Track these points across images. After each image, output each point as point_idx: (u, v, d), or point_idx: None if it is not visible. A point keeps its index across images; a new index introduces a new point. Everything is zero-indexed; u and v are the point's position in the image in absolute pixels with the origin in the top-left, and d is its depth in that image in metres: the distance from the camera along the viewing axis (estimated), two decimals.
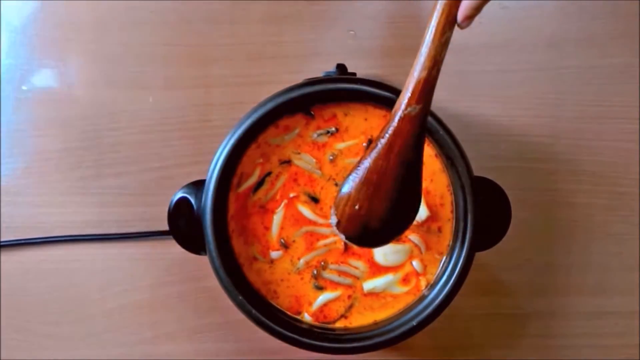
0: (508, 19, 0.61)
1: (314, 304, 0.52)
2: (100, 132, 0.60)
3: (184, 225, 0.50)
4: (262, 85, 0.60)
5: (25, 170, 0.60)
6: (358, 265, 0.52)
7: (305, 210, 0.52)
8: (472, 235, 0.49)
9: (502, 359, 0.60)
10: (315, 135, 0.52)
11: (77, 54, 0.61)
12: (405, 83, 0.43)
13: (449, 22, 0.41)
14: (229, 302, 0.49)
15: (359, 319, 0.52)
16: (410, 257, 0.52)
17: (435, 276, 0.51)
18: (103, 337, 0.60)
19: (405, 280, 0.52)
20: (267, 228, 0.52)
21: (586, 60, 0.61)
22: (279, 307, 0.52)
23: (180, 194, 0.51)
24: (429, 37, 0.42)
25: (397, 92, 0.45)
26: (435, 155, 0.51)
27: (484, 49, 0.61)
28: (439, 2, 0.41)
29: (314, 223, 0.52)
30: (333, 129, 0.52)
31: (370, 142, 0.51)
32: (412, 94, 0.42)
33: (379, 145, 0.44)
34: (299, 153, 0.52)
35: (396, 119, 0.43)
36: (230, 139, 0.50)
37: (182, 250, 0.51)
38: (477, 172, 0.50)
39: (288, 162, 0.52)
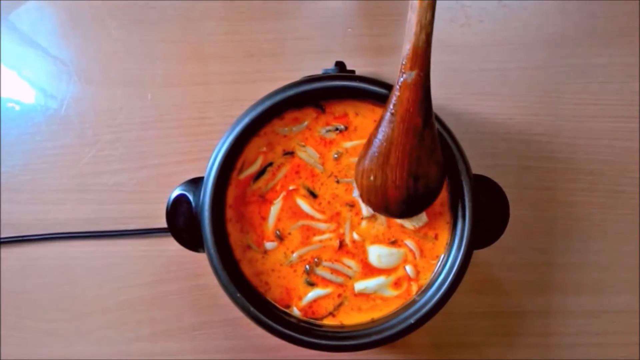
0: (507, 17, 0.61)
1: (304, 299, 0.52)
2: (98, 129, 0.60)
3: (182, 222, 0.50)
4: (260, 82, 0.60)
5: (24, 168, 0.60)
6: (351, 264, 0.52)
7: (304, 204, 0.52)
8: (470, 233, 0.49)
9: (499, 357, 0.60)
10: (323, 131, 0.52)
11: (75, 51, 0.61)
12: (401, 52, 0.44)
13: None
14: (226, 300, 0.49)
15: (346, 319, 0.52)
16: (404, 261, 0.52)
17: (427, 281, 0.51)
18: (100, 334, 0.60)
19: (396, 284, 0.52)
20: (264, 218, 0.52)
21: (585, 59, 0.61)
22: (271, 300, 0.51)
23: (178, 191, 0.50)
24: (411, 3, 0.43)
25: None
26: None
27: (483, 47, 0.61)
28: None
29: (311, 217, 0.52)
30: (342, 126, 0.51)
31: None
32: (405, 61, 0.44)
33: (386, 115, 0.46)
34: (304, 146, 0.52)
35: (396, 87, 0.45)
36: (228, 136, 0.50)
37: (180, 247, 0.51)
38: (475, 171, 0.50)
39: (291, 153, 0.52)
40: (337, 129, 0.52)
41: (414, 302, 0.50)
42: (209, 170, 0.50)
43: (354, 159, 0.51)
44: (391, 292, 0.52)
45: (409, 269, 0.52)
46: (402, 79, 0.44)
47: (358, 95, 0.51)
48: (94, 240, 0.60)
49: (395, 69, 0.47)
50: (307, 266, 0.52)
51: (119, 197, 0.60)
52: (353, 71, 0.55)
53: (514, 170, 0.60)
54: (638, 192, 0.60)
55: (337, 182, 0.52)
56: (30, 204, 0.60)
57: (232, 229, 0.51)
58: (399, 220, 0.51)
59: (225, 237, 0.51)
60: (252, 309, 0.49)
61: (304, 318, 0.51)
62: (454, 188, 0.50)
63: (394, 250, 0.52)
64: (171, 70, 0.60)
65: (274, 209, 0.52)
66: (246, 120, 0.50)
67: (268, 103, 0.50)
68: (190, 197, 0.50)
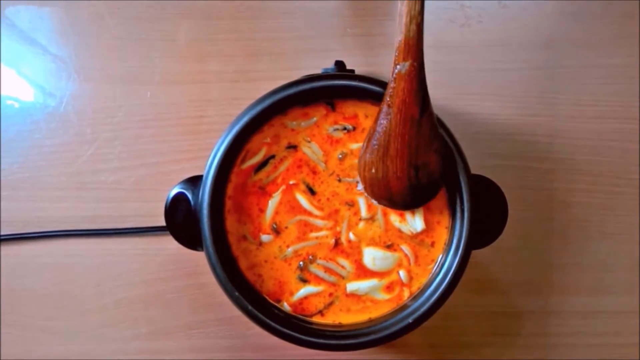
0: (507, 17, 0.61)
1: (295, 295, 0.52)
2: (97, 126, 0.60)
3: (180, 221, 0.50)
4: (259, 81, 0.60)
5: (22, 165, 0.60)
6: (345, 264, 0.52)
7: (302, 199, 0.52)
8: (468, 233, 0.49)
9: (496, 357, 0.60)
10: (331, 129, 0.52)
11: (74, 48, 0.61)
12: (394, 45, 0.45)
13: None
14: (224, 299, 0.49)
15: (334, 318, 0.52)
16: (399, 266, 0.52)
17: (420, 288, 0.51)
18: (98, 332, 0.60)
19: (389, 288, 0.52)
20: (262, 210, 0.52)
21: (584, 60, 0.61)
22: (263, 293, 0.51)
23: (177, 190, 0.50)
24: None
25: None
26: None
27: (483, 47, 0.61)
28: None
29: (309, 213, 0.52)
30: (350, 127, 0.51)
31: None
32: (398, 53, 0.45)
33: (383, 108, 0.46)
34: (309, 141, 0.52)
35: (391, 79, 0.45)
36: (227, 135, 0.50)
37: (178, 246, 0.51)
38: (474, 171, 0.50)
39: (294, 147, 0.52)
40: (345, 129, 0.51)
41: (405, 306, 0.51)
42: (208, 168, 0.50)
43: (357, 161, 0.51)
44: (383, 296, 0.52)
45: (402, 274, 0.52)
46: (396, 71, 0.45)
47: (358, 95, 0.51)
48: (92, 238, 0.60)
49: None
50: (301, 262, 0.52)
51: (118, 195, 0.60)
52: (352, 70, 0.55)
53: (513, 170, 0.60)
54: (637, 193, 0.60)
55: (339, 180, 0.52)
56: (28, 202, 0.60)
57: (229, 218, 0.51)
58: (397, 224, 0.51)
59: (224, 236, 0.51)
60: (250, 307, 0.49)
61: (294, 314, 0.51)
62: (452, 188, 0.50)
63: (389, 254, 0.52)
64: (170, 68, 0.60)
65: (273, 202, 0.52)
66: (245, 119, 0.50)
67: (267, 102, 0.50)
68: (189, 196, 0.50)
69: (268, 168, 0.52)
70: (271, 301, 0.51)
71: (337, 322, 0.51)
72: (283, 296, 0.52)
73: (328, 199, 0.52)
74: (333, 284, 0.52)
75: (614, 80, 0.61)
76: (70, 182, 0.60)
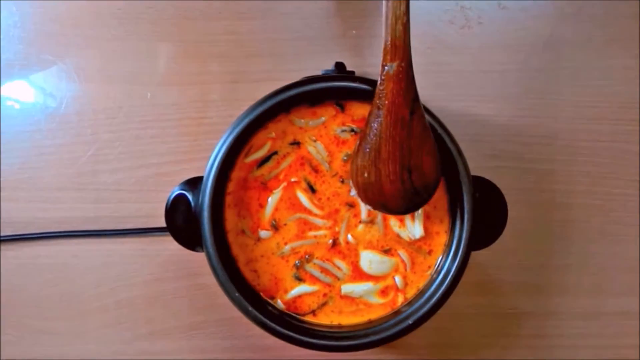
0: (507, 19, 0.61)
1: (290, 293, 0.52)
2: (97, 127, 0.60)
3: (181, 222, 0.50)
4: (259, 82, 0.60)
5: (22, 166, 0.60)
6: (342, 266, 0.52)
7: (303, 197, 0.52)
8: (468, 235, 0.49)
9: (496, 358, 0.60)
10: (339, 130, 0.52)
11: (74, 49, 0.61)
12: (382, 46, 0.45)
13: None
14: (224, 300, 0.49)
15: (325, 319, 0.52)
16: (395, 271, 0.52)
17: (414, 294, 0.51)
18: (98, 333, 0.60)
19: (383, 292, 0.52)
20: (262, 206, 0.52)
21: (584, 62, 0.61)
22: (258, 289, 0.51)
23: (177, 191, 0.50)
24: None
25: None
26: None
27: (483, 49, 0.61)
28: None
29: (309, 212, 0.52)
30: (358, 129, 0.51)
31: None
32: (384, 54, 0.44)
33: (373, 110, 0.46)
34: (315, 141, 0.52)
35: (380, 81, 0.45)
36: (228, 136, 0.50)
37: (178, 247, 0.51)
38: (474, 172, 0.50)
39: (297, 143, 0.52)
40: (352, 131, 0.51)
41: (398, 312, 0.51)
42: (209, 170, 0.50)
43: None
44: (376, 300, 0.52)
45: (397, 279, 0.52)
46: (384, 72, 0.45)
47: (358, 96, 0.51)
48: (92, 239, 0.60)
49: None
50: (298, 261, 0.52)
51: (118, 196, 0.60)
52: (353, 72, 0.55)
53: (513, 171, 0.60)
54: (637, 194, 0.60)
55: (342, 182, 0.52)
56: (28, 202, 0.60)
57: (229, 211, 0.51)
58: (396, 229, 0.51)
59: (224, 237, 0.51)
60: (250, 308, 0.49)
61: (287, 311, 0.51)
62: (452, 189, 0.50)
63: (385, 258, 0.52)
64: (170, 69, 0.60)
65: (273, 198, 0.52)
66: (246, 120, 0.50)
67: (268, 104, 0.50)
68: (190, 197, 0.50)
69: (270, 164, 0.52)
70: (265, 297, 0.51)
71: (335, 323, 0.52)
72: (277, 293, 0.52)
73: (328, 199, 0.52)
74: (328, 285, 0.52)
75: (614, 82, 0.61)
76: (71, 182, 0.60)
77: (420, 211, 0.51)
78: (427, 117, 0.49)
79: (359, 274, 0.52)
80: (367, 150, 0.47)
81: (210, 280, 0.50)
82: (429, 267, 0.52)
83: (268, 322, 0.49)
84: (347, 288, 0.52)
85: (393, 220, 0.51)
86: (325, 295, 0.52)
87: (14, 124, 0.60)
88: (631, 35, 0.61)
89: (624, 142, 0.61)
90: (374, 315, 0.52)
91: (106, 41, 0.61)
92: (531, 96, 0.60)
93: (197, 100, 0.60)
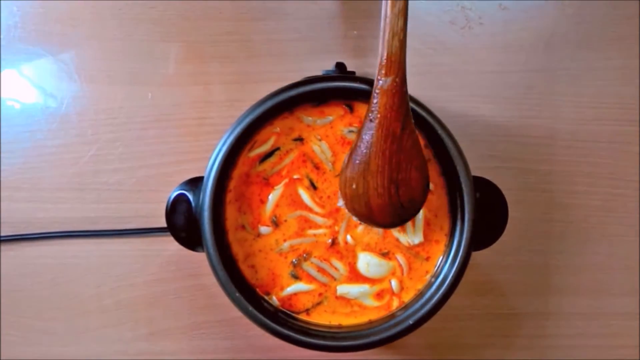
0: (507, 19, 0.61)
1: (285, 290, 0.52)
2: (98, 128, 0.60)
3: (181, 222, 0.50)
4: (260, 83, 0.60)
5: (23, 166, 0.60)
6: (339, 266, 0.52)
7: (305, 195, 0.52)
8: (469, 235, 0.49)
9: (496, 358, 0.60)
10: (346, 131, 0.52)
11: (75, 49, 0.61)
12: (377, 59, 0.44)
13: None
14: (225, 300, 0.49)
15: (318, 319, 0.52)
16: (392, 274, 0.52)
17: (410, 299, 0.51)
18: (99, 333, 0.60)
19: (379, 295, 0.52)
20: (263, 202, 0.52)
21: (584, 62, 0.61)
22: (254, 285, 0.51)
23: (178, 191, 0.50)
24: (383, 11, 0.43)
25: None
26: (433, 158, 0.51)
27: (483, 49, 0.61)
28: None
29: (310, 210, 0.52)
30: None
31: None
32: (379, 68, 0.44)
33: (365, 123, 0.46)
34: (320, 140, 0.52)
35: (374, 94, 0.45)
36: (228, 137, 0.50)
37: (179, 247, 0.51)
38: (474, 172, 0.50)
39: (301, 140, 0.52)
40: None
41: (393, 315, 0.51)
42: (209, 170, 0.50)
43: None
44: (371, 302, 0.52)
45: (394, 283, 0.52)
46: (378, 86, 0.44)
47: (358, 97, 0.51)
48: (92, 239, 0.60)
49: None
50: (295, 259, 0.52)
51: (118, 196, 0.60)
52: (353, 72, 0.55)
53: (513, 172, 0.60)
54: (637, 195, 0.60)
55: None
56: (29, 203, 0.60)
57: (229, 206, 0.51)
58: (395, 233, 0.51)
59: (224, 237, 0.51)
60: (250, 308, 0.49)
61: (281, 308, 0.51)
62: (453, 190, 0.51)
63: (383, 261, 0.52)
64: (171, 69, 0.60)
65: (275, 194, 0.52)
66: (247, 120, 0.50)
67: (268, 104, 0.50)
68: (190, 197, 0.50)
69: (273, 159, 0.52)
70: (260, 293, 0.51)
71: (334, 323, 0.52)
72: (273, 290, 0.52)
73: (329, 197, 0.52)
74: (324, 285, 0.52)
75: (614, 82, 0.61)
76: (71, 183, 0.60)
77: (420, 217, 0.51)
78: (427, 117, 0.49)
79: (355, 276, 0.52)
80: (357, 162, 0.46)
81: (211, 280, 0.50)
82: (427, 272, 0.51)
83: (269, 322, 0.49)
84: (343, 289, 0.52)
85: None
86: (320, 294, 0.52)
87: (15, 124, 0.60)
88: (631, 36, 0.61)
89: (623, 143, 0.61)
90: (368, 318, 0.52)
91: (107, 41, 0.61)
92: (531, 96, 0.61)
93: (198, 100, 0.60)
